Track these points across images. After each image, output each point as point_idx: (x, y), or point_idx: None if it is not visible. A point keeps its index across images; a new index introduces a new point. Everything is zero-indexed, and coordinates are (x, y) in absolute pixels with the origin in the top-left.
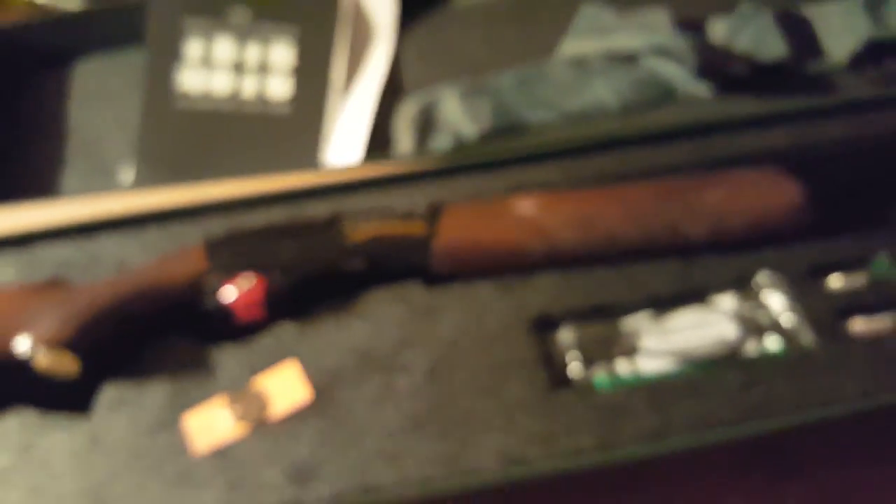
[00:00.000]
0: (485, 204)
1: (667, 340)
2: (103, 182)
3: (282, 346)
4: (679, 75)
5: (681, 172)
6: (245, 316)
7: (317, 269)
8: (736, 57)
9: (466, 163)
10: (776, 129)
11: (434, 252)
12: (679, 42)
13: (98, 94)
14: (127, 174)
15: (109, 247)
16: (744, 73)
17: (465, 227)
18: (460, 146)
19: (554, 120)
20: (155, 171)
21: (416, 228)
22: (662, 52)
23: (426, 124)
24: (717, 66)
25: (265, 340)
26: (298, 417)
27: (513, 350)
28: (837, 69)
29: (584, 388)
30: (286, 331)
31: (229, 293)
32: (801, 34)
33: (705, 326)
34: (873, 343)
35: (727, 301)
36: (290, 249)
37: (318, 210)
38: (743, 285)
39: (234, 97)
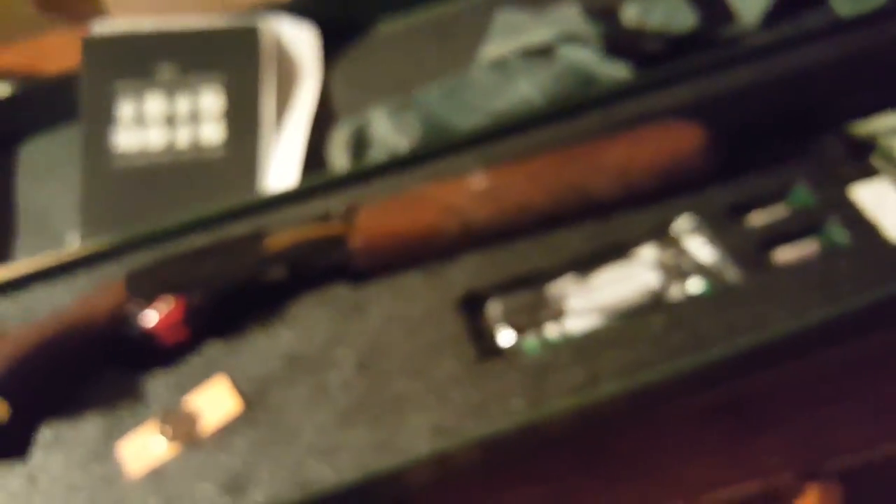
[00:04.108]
0: (398, 196)
1: (591, 298)
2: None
3: (210, 362)
4: (593, 59)
5: (588, 139)
6: (169, 338)
7: (236, 283)
8: (648, 35)
9: (384, 164)
10: (682, 86)
11: (352, 248)
12: (588, 27)
13: (44, 170)
14: (73, 239)
15: (42, 297)
16: (657, 48)
17: (379, 219)
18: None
19: (482, 122)
20: (99, 232)
21: (334, 229)
22: (573, 39)
23: (359, 144)
24: (630, 46)
25: (193, 360)
26: (229, 429)
27: (441, 330)
28: (751, 31)
29: (514, 355)
30: (213, 347)
31: (150, 318)
32: (710, 3)
33: (628, 279)
34: (799, 269)
35: (648, 252)
36: (208, 267)
37: (242, 230)
38: (662, 234)
39: (170, 149)
